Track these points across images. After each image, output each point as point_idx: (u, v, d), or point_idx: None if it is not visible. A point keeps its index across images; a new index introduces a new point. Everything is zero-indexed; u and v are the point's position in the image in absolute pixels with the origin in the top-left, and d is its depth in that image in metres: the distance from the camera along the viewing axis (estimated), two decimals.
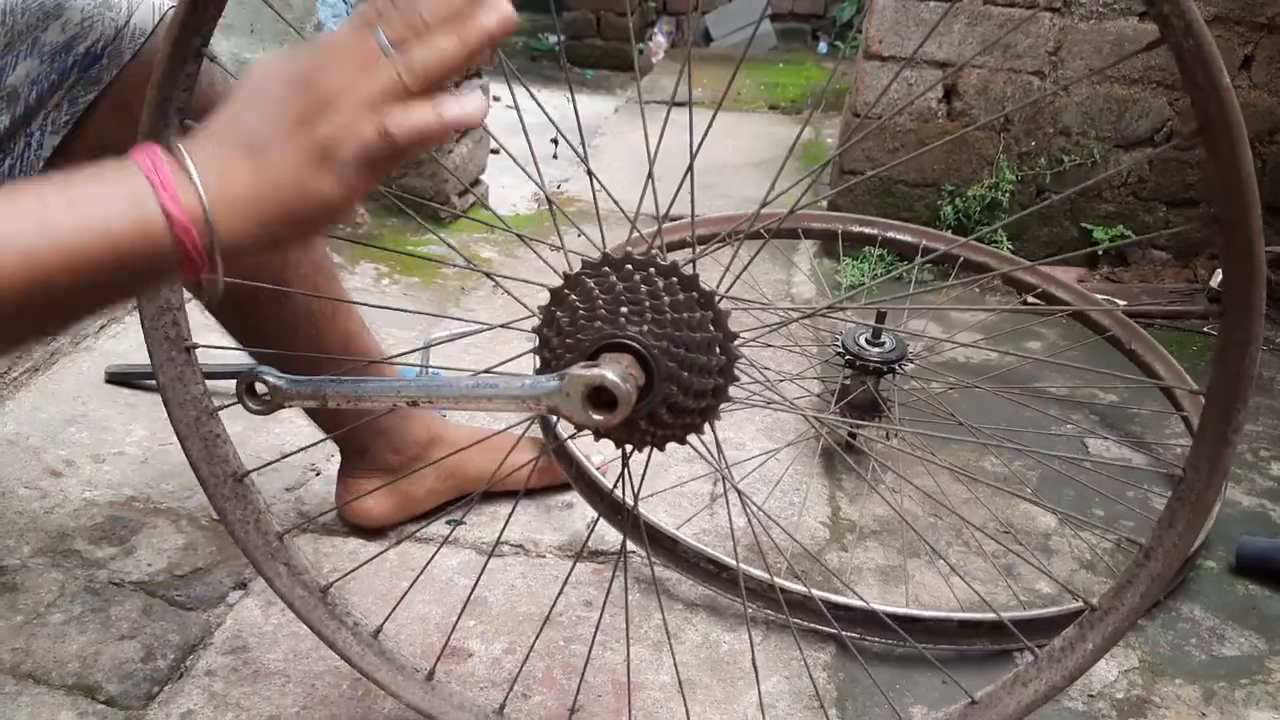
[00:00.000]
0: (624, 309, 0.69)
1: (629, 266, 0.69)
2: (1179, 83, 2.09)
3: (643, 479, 0.88)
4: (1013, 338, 1.98)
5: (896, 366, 1.42)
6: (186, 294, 0.88)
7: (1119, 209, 2.27)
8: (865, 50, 2.23)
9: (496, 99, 2.78)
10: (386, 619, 0.92)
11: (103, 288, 0.50)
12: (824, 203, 2.29)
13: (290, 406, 0.71)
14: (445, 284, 2.04)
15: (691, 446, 0.77)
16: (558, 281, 0.72)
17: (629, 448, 0.77)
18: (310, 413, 1.19)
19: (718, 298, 0.70)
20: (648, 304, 0.69)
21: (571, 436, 1.25)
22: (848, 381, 1.45)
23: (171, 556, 1.19)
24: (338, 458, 1.26)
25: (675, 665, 1.00)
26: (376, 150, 0.50)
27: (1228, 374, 0.68)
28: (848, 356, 1.42)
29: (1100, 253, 2.25)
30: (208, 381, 0.88)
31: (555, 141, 2.66)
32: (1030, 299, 1.89)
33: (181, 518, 1.26)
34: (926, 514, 1.39)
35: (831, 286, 2.14)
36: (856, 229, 1.98)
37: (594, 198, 0.83)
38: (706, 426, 0.74)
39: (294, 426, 1.42)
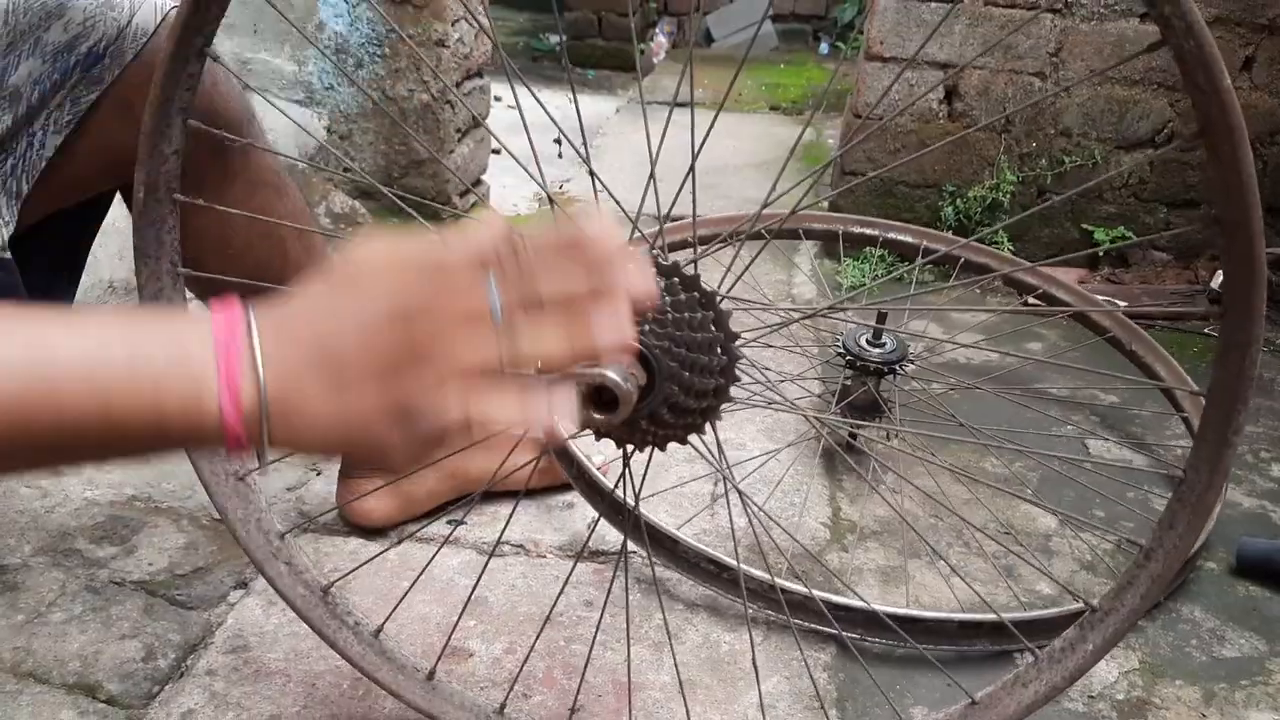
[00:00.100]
0: None
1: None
2: (1180, 84, 2.09)
3: (644, 479, 0.89)
4: (1013, 339, 1.98)
5: (897, 367, 1.42)
6: (189, 294, 0.89)
7: (1120, 210, 2.27)
8: (866, 51, 2.23)
9: (498, 99, 2.79)
10: (387, 619, 0.92)
11: (124, 440, 0.47)
12: (825, 203, 2.29)
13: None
14: None
15: (693, 446, 0.77)
16: None
17: (630, 448, 0.77)
18: None
19: (719, 298, 0.70)
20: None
21: (572, 437, 1.25)
22: (848, 382, 1.45)
23: (172, 556, 1.19)
24: (338, 458, 1.26)
25: (676, 665, 1.00)
26: (452, 431, 0.47)
27: (1228, 375, 0.68)
28: (848, 357, 1.42)
29: (1101, 254, 2.26)
30: None
31: (559, 141, 2.66)
32: (1031, 300, 1.89)
33: (182, 517, 1.26)
34: (927, 515, 1.39)
35: (832, 287, 2.14)
36: (857, 230, 1.98)
37: (595, 198, 0.83)
38: (708, 426, 0.74)
39: None
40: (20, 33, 0.86)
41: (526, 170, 0.86)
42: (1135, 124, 2.19)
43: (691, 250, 0.87)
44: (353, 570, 1.07)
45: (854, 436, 1.50)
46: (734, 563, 1.13)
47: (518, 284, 0.47)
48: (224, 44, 2.14)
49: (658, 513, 1.31)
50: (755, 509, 1.17)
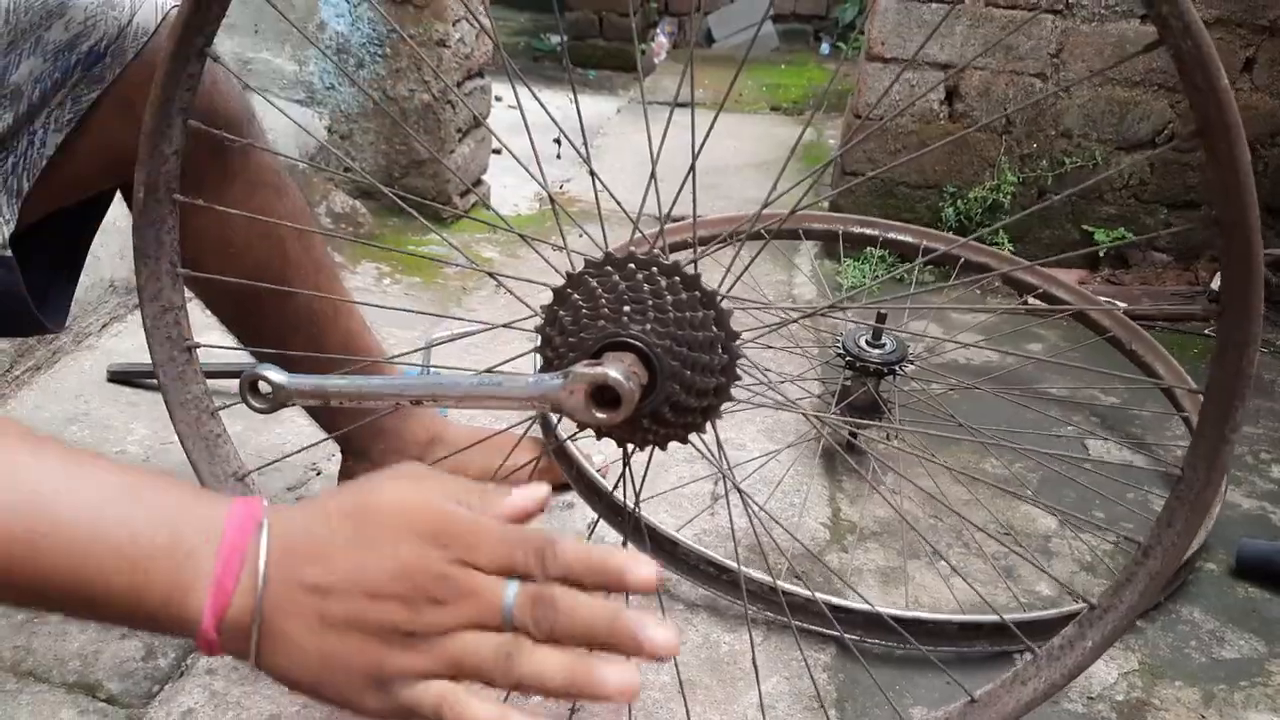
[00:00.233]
0: (627, 308, 0.69)
1: (632, 265, 0.70)
2: (1180, 85, 2.09)
3: (643, 480, 0.89)
4: (1013, 339, 1.98)
5: (897, 368, 1.42)
6: (188, 294, 0.89)
7: (1120, 211, 2.27)
8: (867, 52, 2.23)
9: (498, 99, 2.79)
10: None
11: (98, 609, 0.46)
12: (825, 204, 2.30)
13: (293, 404, 0.71)
14: (446, 284, 2.04)
15: (694, 446, 0.77)
16: (559, 281, 0.72)
17: (630, 447, 0.77)
18: (311, 412, 1.19)
19: (720, 297, 0.70)
20: (650, 303, 0.69)
21: (572, 436, 1.25)
22: (848, 383, 1.45)
23: None
24: (338, 457, 1.26)
25: (676, 665, 1.01)
26: (425, 716, 0.46)
27: (1226, 374, 0.68)
28: (848, 358, 1.42)
29: (1101, 255, 2.26)
30: (209, 381, 0.88)
31: (559, 141, 2.66)
32: (1031, 299, 1.89)
33: None
34: (927, 515, 1.39)
35: (832, 287, 2.14)
36: (857, 230, 1.98)
37: (596, 198, 0.83)
38: (708, 425, 0.74)
39: (295, 426, 1.42)
40: (21, 31, 0.86)
41: (528, 170, 0.86)
42: (1136, 125, 2.19)
43: (691, 251, 0.87)
44: None
45: (854, 436, 1.50)
46: (734, 565, 1.13)
47: (538, 594, 0.46)
48: (224, 44, 2.14)
49: (658, 513, 1.31)
50: (756, 508, 1.17)
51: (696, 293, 0.69)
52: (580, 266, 0.72)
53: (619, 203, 0.88)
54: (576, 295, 0.71)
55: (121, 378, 1.53)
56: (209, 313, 1.08)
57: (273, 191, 1.04)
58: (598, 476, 1.22)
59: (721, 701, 1.04)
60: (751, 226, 0.94)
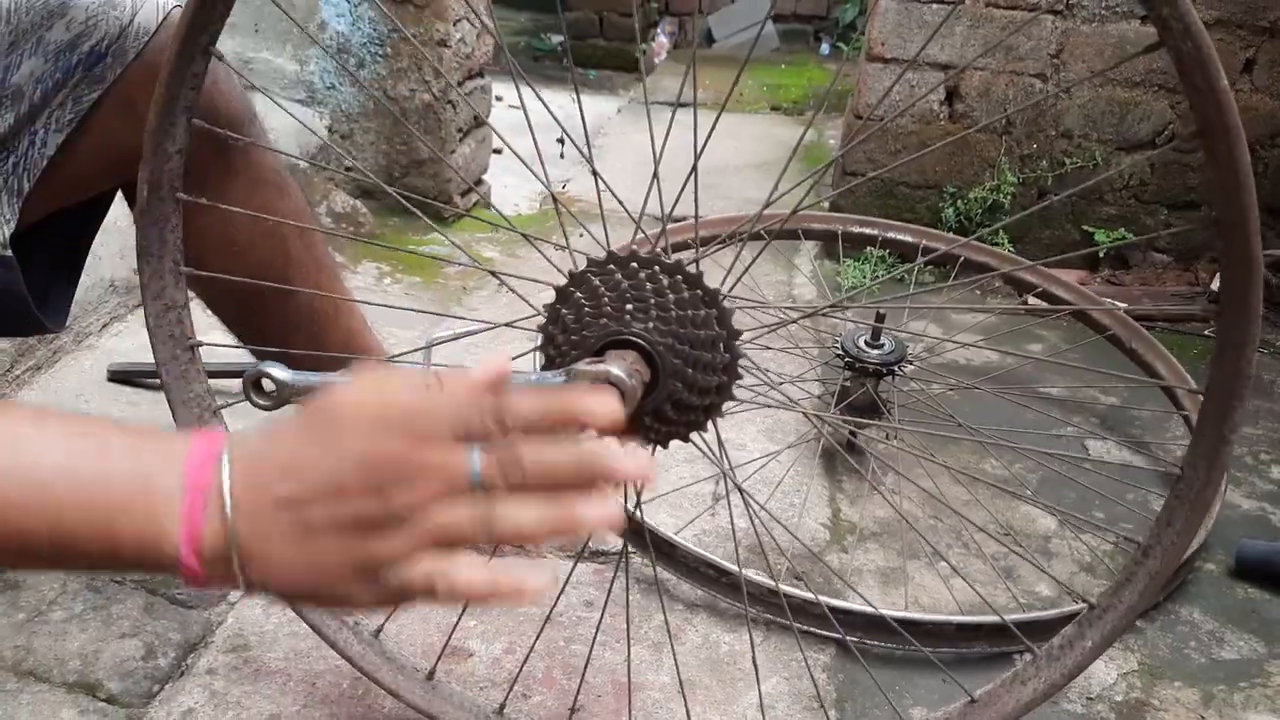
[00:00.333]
0: (629, 306, 0.70)
1: (634, 264, 0.70)
2: (1181, 86, 2.10)
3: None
4: (1013, 339, 1.98)
5: (896, 368, 1.42)
6: (190, 293, 0.89)
7: (1120, 212, 2.27)
8: (867, 52, 2.23)
9: (499, 99, 2.79)
10: (387, 619, 0.93)
11: (74, 557, 0.46)
12: (825, 204, 2.30)
13: (296, 402, 0.71)
14: (447, 283, 2.04)
15: (695, 446, 0.77)
16: (562, 280, 0.72)
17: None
18: None
19: (721, 296, 0.70)
20: (652, 301, 0.69)
21: None
22: (847, 383, 1.45)
23: None
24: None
25: (676, 665, 1.01)
26: (418, 593, 0.47)
27: (1225, 374, 0.68)
28: (847, 358, 1.42)
29: (1101, 255, 2.26)
30: (210, 380, 0.88)
31: (561, 141, 2.66)
32: (1031, 299, 1.89)
33: None
34: (927, 515, 1.39)
35: (832, 288, 2.14)
36: (857, 229, 1.98)
37: (598, 198, 0.83)
38: (710, 424, 0.74)
39: None
40: (22, 32, 0.86)
41: (530, 169, 0.86)
42: (1136, 126, 2.19)
43: (692, 251, 0.87)
44: None
45: (854, 435, 1.50)
46: (734, 568, 1.13)
47: (502, 453, 0.46)
48: (226, 43, 2.14)
49: (658, 514, 1.31)
50: (757, 507, 1.17)
51: (699, 291, 0.70)
52: (582, 266, 0.72)
53: (621, 202, 0.89)
54: (579, 293, 0.71)
55: (121, 377, 1.53)
56: (210, 312, 1.08)
57: (275, 190, 1.04)
58: None
59: (721, 702, 1.04)
60: (752, 227, 0.94)
